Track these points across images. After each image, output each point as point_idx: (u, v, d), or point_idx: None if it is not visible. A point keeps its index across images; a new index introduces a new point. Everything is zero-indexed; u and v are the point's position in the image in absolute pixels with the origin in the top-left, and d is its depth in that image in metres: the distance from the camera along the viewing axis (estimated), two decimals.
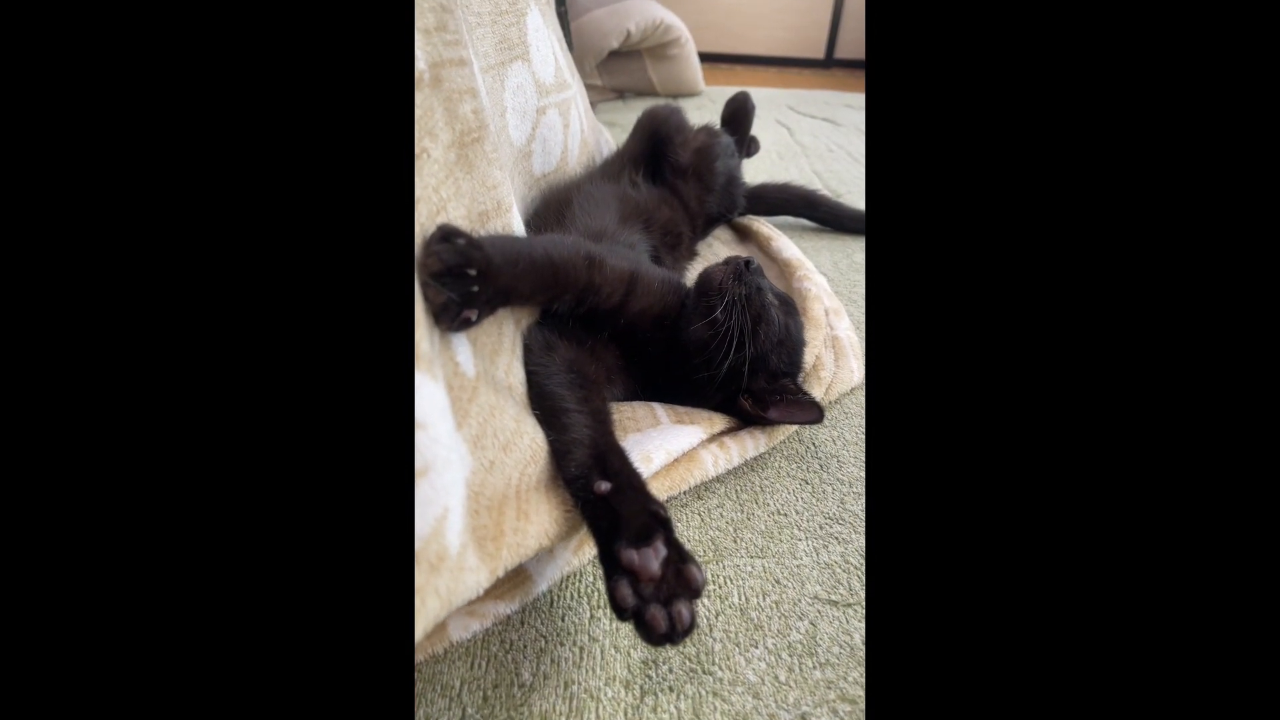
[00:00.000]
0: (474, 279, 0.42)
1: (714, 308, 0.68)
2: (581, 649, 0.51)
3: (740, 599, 0.56)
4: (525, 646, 0.51)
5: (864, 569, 0.59)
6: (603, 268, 0.64)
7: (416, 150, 0.43)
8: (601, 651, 0.51)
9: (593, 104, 2.58)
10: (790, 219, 1.40)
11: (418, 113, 0.43)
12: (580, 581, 0.57)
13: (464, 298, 0.42)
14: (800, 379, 0.76)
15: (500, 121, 0.81)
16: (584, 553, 0.57)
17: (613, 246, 0.77)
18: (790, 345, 0.72)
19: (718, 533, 0.63)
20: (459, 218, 0.49)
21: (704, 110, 2.51)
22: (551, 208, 0.87)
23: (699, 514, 0.65)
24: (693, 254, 1.11)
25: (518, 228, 0.63)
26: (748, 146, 1.38)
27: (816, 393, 0.78)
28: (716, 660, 0.51)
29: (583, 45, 2.43)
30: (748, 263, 0.71)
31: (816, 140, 2.10)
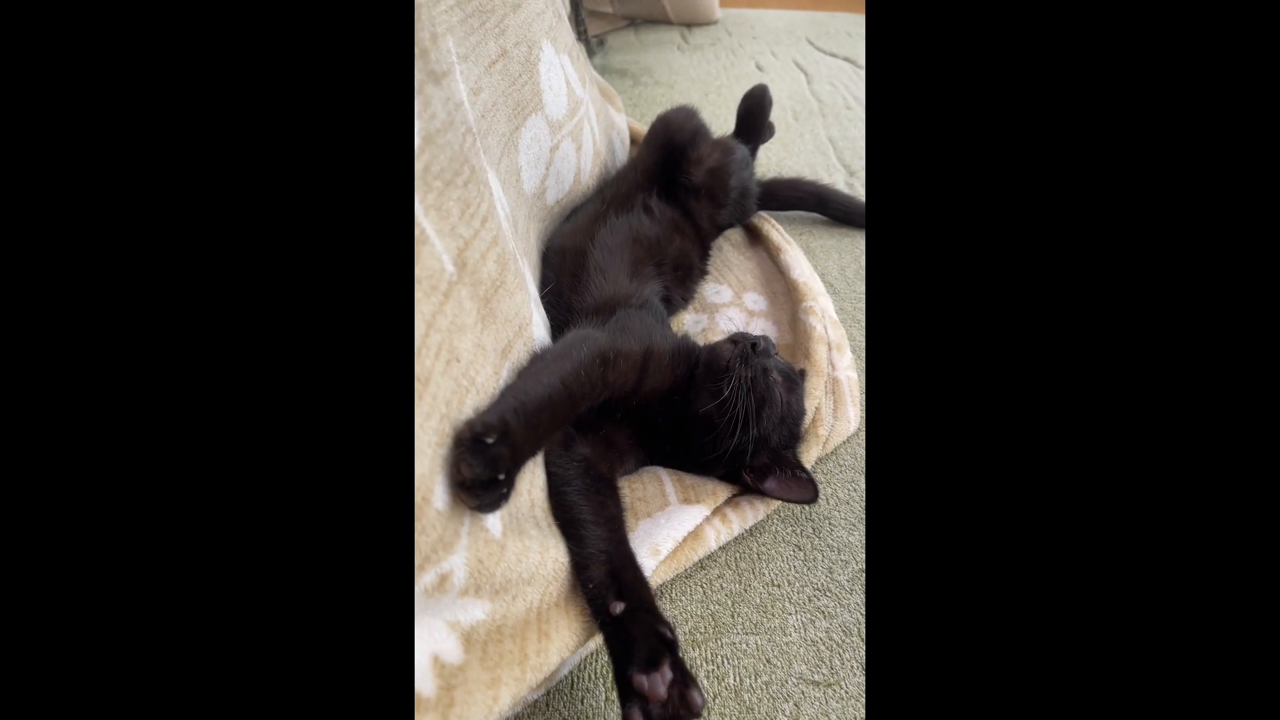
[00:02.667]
0: (503, 482, 0.48)
1: (721, 390, 0.73)
2: None
3: (735, 680, 0.64)
4: None
5: (844, 646, 0.67)
6: (616, 363, 0.68)
7: (448, 360, 0.47)
8: None
9: (603, 37, 2.47)
10: (802, 212, 1.40)
11: (447, 320, 0.47)
12: (598, 661, 0.65)
13: (496, 499, 0.48)
14: (799, 446, 0.81)
15: (515, 184, 0.82)
16: (599, 636, 0.65)
17: (626, 317, 0.80)
18: (791, 420, 0.77)
19: (717, 606, 0.71)
20: (486, 377, 0.53)
21: (719, 45, 2.40)
22: (568, 264, 0.90)
23: (701, 586, 0.73)
24: (703, 273, 1.13)
25: (539, 334, 0.67)
26: (764, 134, 1.36)
27: (814, 451, 0.83)
28: None
29: None
30: (754, 344, 0.75)
31: (835, 92, 2.02)
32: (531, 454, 0.55)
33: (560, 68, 0.96)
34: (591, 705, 0.62)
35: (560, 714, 0.61)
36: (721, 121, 1.39)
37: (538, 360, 0.63)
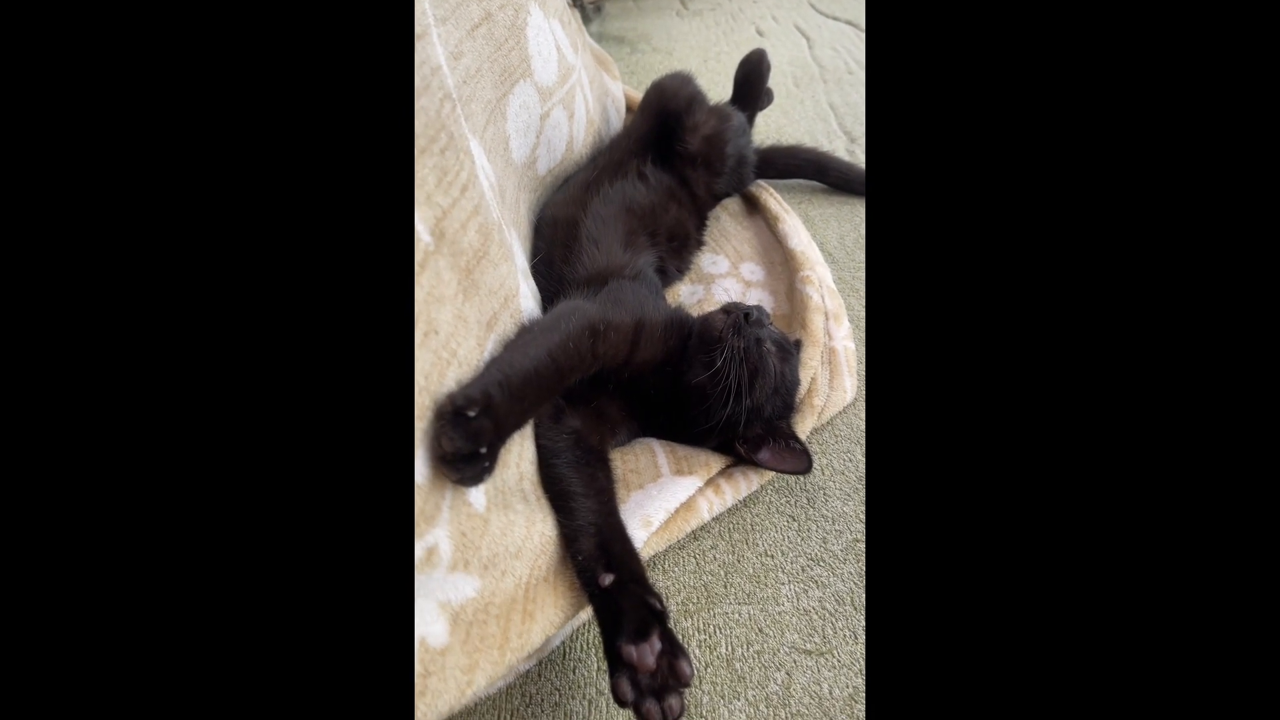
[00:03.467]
0: (485, 455, 0.47)
1: (714, 361, 0.72)
2: (590, 702, 0.61)
3: (727, 649, 0.65)
4: (543, 700, 0.61)
5: (837, 615, 0.67)
6: (607, 335, 0.67)
7: (425, 332, 0.46)
8: (607, 704, 0.60)
9: (599, 4, 2.41)
10: (801, 180, 1.37)
11: (423, 292, 0.46)
12: (589, 632, 0.66)
13: (478, 472, 0.47)
14: (793, 416, 0.81)
15: (503, 153, 0.80)
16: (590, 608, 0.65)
17: (618, 288, 0.79)
18: (784, 391, 0.76)
19: (710, 577, 0.71)
20: (469, 350, 0.52)
21: (719, 10, 2.35)
22: (560, 234, 0.88)
23: (694, 556, 0.73)
24: (700, 243, 1.11)
25: (527, 306, 0.66)
26: (762, 101, 1.33)
27: (810, 421, 0.83)
28: (704, 713, 0.60)
29: None
30: (747, 315, 0.74)
31: (836, 56, 1.97)
32: (516, 427, 0.55)
33: (550, 32, 0.94)
34: (583, 675, 0.63)
35: (552, 684, 0.62)
36: (722, 89, 1.36)
37: (525, 332, 0.62)
